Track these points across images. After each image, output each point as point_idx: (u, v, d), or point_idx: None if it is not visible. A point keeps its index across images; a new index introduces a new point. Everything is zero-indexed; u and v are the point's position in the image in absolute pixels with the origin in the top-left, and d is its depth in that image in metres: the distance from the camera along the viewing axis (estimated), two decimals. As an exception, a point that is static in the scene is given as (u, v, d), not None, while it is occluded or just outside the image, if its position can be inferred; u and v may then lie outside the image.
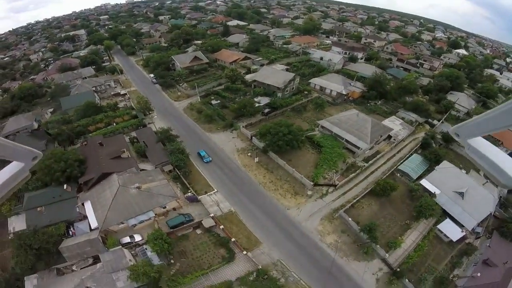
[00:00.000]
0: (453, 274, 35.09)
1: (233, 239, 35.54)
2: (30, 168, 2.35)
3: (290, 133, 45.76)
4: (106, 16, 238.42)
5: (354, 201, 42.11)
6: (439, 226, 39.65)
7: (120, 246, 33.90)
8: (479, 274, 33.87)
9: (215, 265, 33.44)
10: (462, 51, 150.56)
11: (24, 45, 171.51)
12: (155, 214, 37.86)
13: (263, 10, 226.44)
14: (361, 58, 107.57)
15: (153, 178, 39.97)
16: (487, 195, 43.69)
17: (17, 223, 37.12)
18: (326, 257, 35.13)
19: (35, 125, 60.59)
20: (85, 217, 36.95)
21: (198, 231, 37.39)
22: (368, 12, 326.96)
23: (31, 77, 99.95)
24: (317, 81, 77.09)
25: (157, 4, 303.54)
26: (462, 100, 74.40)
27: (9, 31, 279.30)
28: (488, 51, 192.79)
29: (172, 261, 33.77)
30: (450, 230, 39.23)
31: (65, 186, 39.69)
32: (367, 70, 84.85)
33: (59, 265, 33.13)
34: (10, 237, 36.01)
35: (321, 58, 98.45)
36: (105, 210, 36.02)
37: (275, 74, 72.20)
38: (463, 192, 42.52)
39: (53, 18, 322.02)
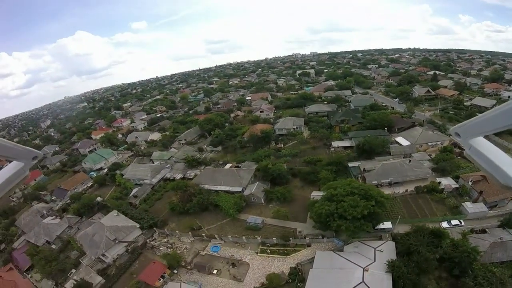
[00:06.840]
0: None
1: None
2: (30, 167, 2.40)
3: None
4: (314, 62, 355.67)
5: None
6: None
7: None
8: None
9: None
10: None
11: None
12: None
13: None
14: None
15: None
16: None
17: (340, 144, 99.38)
18: None
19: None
20: (392, 143, 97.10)
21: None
22: None
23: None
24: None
25: (350, 56, 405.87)
26: None
27: (215, 66, 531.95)
28: None
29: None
30: None
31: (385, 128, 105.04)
32: None
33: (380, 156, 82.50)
34: (331, 151, 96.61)
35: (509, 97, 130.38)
36: (415, 138, 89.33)
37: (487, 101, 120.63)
38: None
39: (248, 61, 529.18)
